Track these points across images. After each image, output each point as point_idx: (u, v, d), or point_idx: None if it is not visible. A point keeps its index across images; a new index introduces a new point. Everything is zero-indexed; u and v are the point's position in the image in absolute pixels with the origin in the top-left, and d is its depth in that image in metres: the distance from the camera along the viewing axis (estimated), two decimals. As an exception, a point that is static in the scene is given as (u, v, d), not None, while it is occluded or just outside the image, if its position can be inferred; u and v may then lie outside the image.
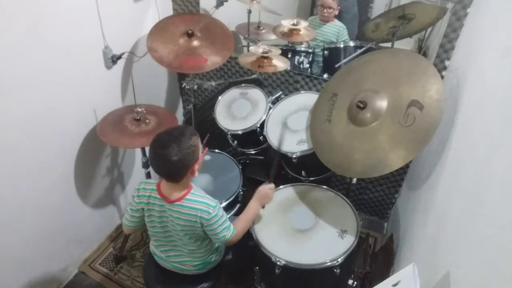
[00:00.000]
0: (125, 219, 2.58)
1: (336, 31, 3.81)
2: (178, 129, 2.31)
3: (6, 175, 2.66)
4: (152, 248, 2.76)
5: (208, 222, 2.36)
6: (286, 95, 3.61)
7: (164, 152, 2.19)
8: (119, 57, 3.26)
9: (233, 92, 3.68)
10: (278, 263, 2.53)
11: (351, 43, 3.53)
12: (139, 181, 2.52)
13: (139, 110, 3.09)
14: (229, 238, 2.48)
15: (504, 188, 1.45)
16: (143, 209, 2.46)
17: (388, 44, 3.17)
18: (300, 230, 2.74)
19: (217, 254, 2.77)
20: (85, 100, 3.12)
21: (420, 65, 2.48)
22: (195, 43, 3.28)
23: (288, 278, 2.69)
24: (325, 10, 3.73)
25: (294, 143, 3.10)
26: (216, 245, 2.74)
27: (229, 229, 2.48)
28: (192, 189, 2.41)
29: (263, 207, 2.84)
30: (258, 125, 3.33)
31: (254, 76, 3.79)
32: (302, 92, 3.50)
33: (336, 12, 3.77)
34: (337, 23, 3.82)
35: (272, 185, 2.84)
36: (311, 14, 4.07)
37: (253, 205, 2.71)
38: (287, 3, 4.31)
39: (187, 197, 2.36)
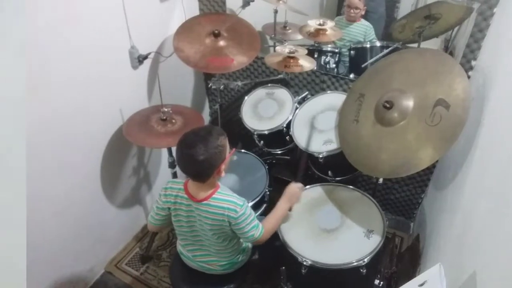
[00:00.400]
0: (151, 216, 2.60)
1: (363, 31, 3.79)
2: (205, 129, 2.32)
3: (33, 175, 2.67)
4: (179, 247, 2.77)
5: (236, 220, 2.36)
6: (312, 95, 3.61)
7: (190, 151, 2.19)
8: (145, 57, 3.28)
9: (259, 92, 3.69)
10: (305, 263, 2.53)
11: (378, 43, 3.52)
12: (166, 181, 2.53)
13: (165, 110, 3.11)
14: (258, 237, 2.47)
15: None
16: (169, 208, 2.47)
17: (415, 45, 3.15)
18: (327, 230, 2.74)
19: (244, 254, 2.78)
20: (111, 100, 3.14)
21: (447, 64, 2.46)
22: (222, 43, 3.29)
23: (315, 278, 2.69)
24: (351, 11, 3.72)
25: (320, 143, 3.11)
26: (244, 245, 2.75)
27: (257, 228, 2.47)
28: (219, 188, 2.42)
29: (290, 209, 2.82)
30: (285, 125, 3.33)
31: (281, 76, 3.80)
32: (329, 92, 3.49)
33: (363, 12, 3.75)
34: (364, 22, 3.80)
35: (300, 185, 2.84)
36: (338, 14, 4.05)
37: (282, 204, 2.70)
38: (314, 3, 4.30)
39: (214, 196, 2.37)
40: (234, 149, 2.57)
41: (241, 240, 2.66)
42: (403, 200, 4.02)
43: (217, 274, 2.74)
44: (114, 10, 2.94)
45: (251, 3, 3.71)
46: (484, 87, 2.50)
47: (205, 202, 2.36)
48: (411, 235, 3.99)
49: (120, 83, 3.19)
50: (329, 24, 3.33)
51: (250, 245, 2.84)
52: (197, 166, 2.23)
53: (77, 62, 2.75)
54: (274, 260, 3.00)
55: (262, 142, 3.49)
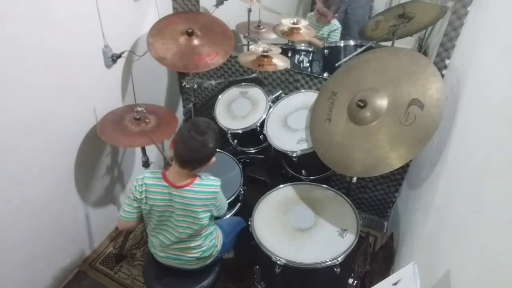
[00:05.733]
0: (123, 211, 2.61)
1: (328, 30, 3.86)
2: (210, 122, 2.50)
3: (6, 174, 2.66)
4: (152, 249, 2.79)
5: (217, 200, 2.57)
6: (286, 94, 3.62)
7: (203, 138, 2.38)
8: (119, 56, 3.26)
9: (233, 91, 3.69)
10: (278, 262, 2.53)
11: (352, 42, 3.53)
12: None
13: (139, 109, 3.09)
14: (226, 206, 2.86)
15: (504, 186, 1.45)
16: (146, 197, 2.49)
17: (389, 43, 3.16)
18: (301, 229, 2.75)
19: (215, 250, 2.79)
20: (85, 99, 3.11)
21: (420, 64, 2.47)
22: (196, 42, 3.28)
23: (288, 277, 2.70)
24: (318, 15, 3.78)
25: (294, 142, 3.11)
26: (213, 238, 2.75)
27: (225, 200, 2.82)
28: (198, 177, 2.52)
29: None
30: (258, 124, 3.33)
31: (254, 75, 3.79)
32: (302, 91, 3.50)
33: (332, 19, 3.80)
34: (333, 22, 3.85)
35: None
36: (311, 10, 4.06)
37: None
38: (287, 2, 4.31)
39: (195, 182, 2.48)
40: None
41: (216, 214, 2.72)
42: (377, 199, 4.04)
43: (191, 270, 2.77)
44: (87, 9, 2.91)
45: (224, 1, 3.71)
46: (458, 86, 2.51)
47: (186, 188, 2.45)
48: (385, 234, 4.00)
49: (93, 82, 3.16)
50: (303, 23, 3.33)
51: (220, 240, 2.85)
52: (202, 152, 2.42)
53: (50, 61, 2.73)
54: (248, 259, 3.02)
55: (236, 141, 3.49)
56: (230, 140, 3.50)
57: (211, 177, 2.57)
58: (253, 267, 2.81)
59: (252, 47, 3.33)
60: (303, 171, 3.28)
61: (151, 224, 2.64)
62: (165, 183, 2.46)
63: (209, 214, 2.55)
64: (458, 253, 1.78)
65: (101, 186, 3.66)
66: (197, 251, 2.66)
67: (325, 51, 3.63)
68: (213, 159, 2.52)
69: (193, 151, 2.39)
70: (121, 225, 2.74)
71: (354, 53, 3.30)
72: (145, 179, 2.49)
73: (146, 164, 3.41)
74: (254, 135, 3.41)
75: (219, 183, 2.56)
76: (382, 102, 2.54)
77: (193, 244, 2.62)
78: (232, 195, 3.18)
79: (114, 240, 3.95)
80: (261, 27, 4.01)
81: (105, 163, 3.60)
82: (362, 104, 2.58)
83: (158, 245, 2.68)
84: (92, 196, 3.57)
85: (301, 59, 3.69)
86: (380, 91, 2.58)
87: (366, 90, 2.66)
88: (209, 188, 2.51)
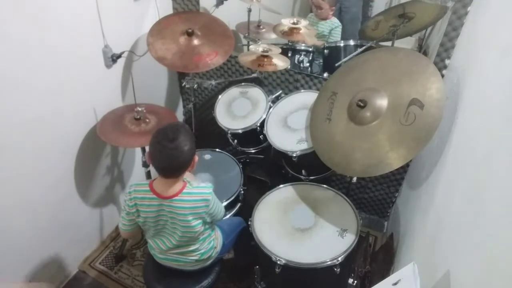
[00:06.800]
0: (121, 224, 2.61)
1: (329, 27, 3.86)
2: (178, 124, 2.41)
3: (6, 174, 2.66)
4: (151, 250, 2.78)
5: (209, 208, 2.48)
6: (286, 94, 3.61)
7: (175, 144, 2.25)
8: (119, 56, 3.25)
9: (233, 91, 3.68)
10: (278, 262, 2.52)
11: (351, 42, 3.52)
12: (139, 180, 2.54)
13: (139, 109, 3.09)
14: (223, 213, 2.77)
15: (504, 187, 1.45)
16: (138, 210, 2.47)
17: (389, 43, 3.15)
18: (300, 229, 2.75)
19: (214, 251, 2.78)
20: (85, 99, 3.11)
21: (421, 64, 2.47)
22: (196, 42, 3.28)
23: (288, 277, 2.69)
24: (316, 10, 3.79)
25: (294, 142, 3.10)
26: (212, 240, 2.75)
27: (222, 208, 2.73)
28: (187, 184, 2.47)
29: None
30: (258, 124, 3.33)
31: (254, 75, 3.79)
32: (302, 91, 3.50)
33: (330, 12, 3.79)
34: (333, 20, 3.86)
35: None
36: (311, 11, 4.07)
37: None
38: (287, 2, 4.31)
39: (184, 191, 2.42)
40: None
41: (212, 222, 2.70)
42: (377, 199, 4.04)
43: (191, 271, 2.77)
44: (87, 9, 2.91)
45: (224, 1, 3.70)
46: (458, 86, 2.51)
47: (176, 198, 2.39)
48: (385, 234, 4.00)
49: (93, 82, 3.16)
50: (303, 23, 3.34)
51: (220, 241, 2.85)
52: (180, 158, 2.30)
53: (50, 61, 2.73)
54: (248, 259, 3.02)
55: (236, 141, 3.48)
56: (230, 140, 3.49)
57: (202, 184, 2.53)
58: (253, 267, 2.81)
59: (252, 47, 3.33)
60: (303, 171, 3.27)
61: (149, 233, 2.63)
62: (154, 195, 2.42)
63: (201, 221, 2.51)
64: (458, 253, 1.78)
65: (101, 186, 3.65)
66: (196, 253, 2.65)
67: (325, 51, 3.62)
68: (196, 158, 2.45)
69: (170, 160, 2.32)
70: (123, 235, 2.76)
71: (354, 53, 3.29)
72: (134, 193, 2.46)
73: (146, 164, 3.40)
74: (254, 135, 3.41)
75: (210, 190, 2.49)
76: (382, 102, 2.54)
77: (191, 248, 2.62)
78: (232, 195, 3.17)
79: (114, 240, 3.95)
80: (261, 27, 4.01)
81: (105, 164, 3.60)
82: (362, 104, 2.58)
83: (157, 248, 2.69)
84: (92, 196, 3.57)
85: (301, 59, 3.68)
86: (380, 91, 2.58)
87: (366, 90, 2.65)
88: (199, 196, 2.44)
